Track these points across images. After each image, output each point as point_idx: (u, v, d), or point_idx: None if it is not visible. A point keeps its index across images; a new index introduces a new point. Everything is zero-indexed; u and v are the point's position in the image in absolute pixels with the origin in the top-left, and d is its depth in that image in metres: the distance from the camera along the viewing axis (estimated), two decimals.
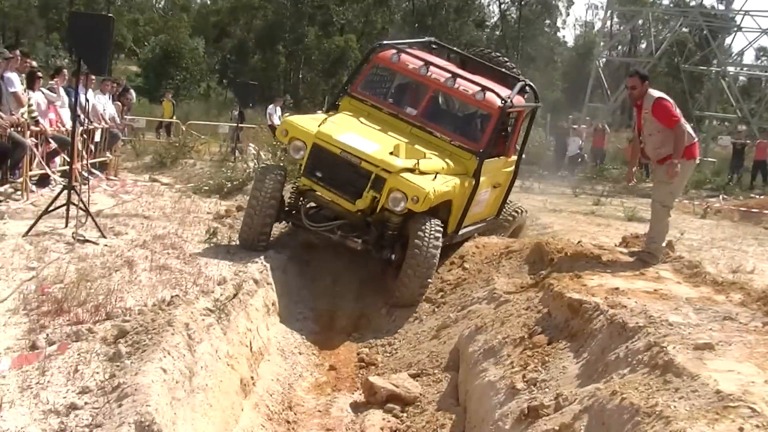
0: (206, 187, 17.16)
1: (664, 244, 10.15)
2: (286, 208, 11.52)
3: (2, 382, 5.63)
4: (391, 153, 10.70)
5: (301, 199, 11.53)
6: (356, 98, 12.39)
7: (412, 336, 9.95)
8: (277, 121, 28.97)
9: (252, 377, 7.84)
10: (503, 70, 13.53)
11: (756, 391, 4.89)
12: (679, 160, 9.57)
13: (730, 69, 50.47)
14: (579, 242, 10.92)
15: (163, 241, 10.75)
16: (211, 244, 11.14)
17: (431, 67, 12.26)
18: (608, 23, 65.33)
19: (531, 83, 13.66)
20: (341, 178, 10.84)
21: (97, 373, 5.88)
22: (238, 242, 11.31)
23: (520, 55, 62.04)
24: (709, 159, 37.76)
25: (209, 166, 20.87)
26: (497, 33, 79.05)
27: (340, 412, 8.10)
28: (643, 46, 70.74)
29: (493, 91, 12.14)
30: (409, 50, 12.80)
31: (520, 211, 14.91)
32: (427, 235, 10.59)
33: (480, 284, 10.52)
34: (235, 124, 28.00)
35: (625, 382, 5.47)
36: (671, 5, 61.56)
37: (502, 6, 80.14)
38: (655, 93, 9.84)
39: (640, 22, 61.79)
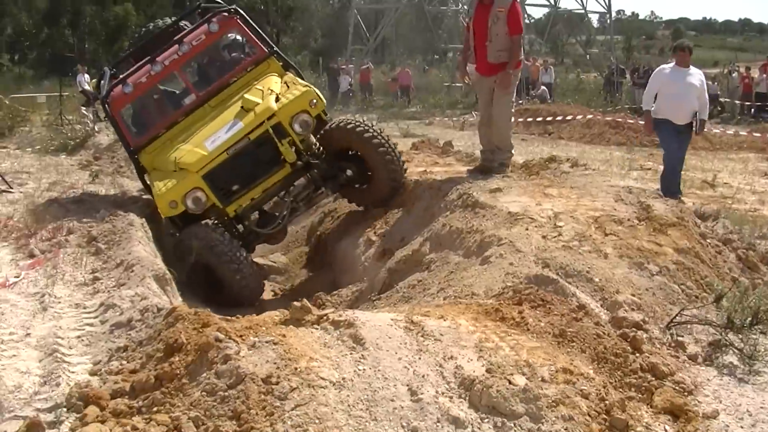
0: (52, 147, 18.34)
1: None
2: (241, 242, 9.46)
3: (31, 278, 7.38)
4: (248, 109, 9.54)
5: (237, 225, 9.84)
6: (146, 146, 10.18)
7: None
8: (86, 86, 29.82)
9: None
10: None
11: (532, 209, 7.41)
12: (514, 70, 9.42)
13: (465, 7, 54.19)
14: None
15: (61, 185, 12.30)
16: (97, 183, 12.77)
17: (157, 59, 10.40)
18: None
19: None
20: (252, 166, 9.55)
21: (92, 261, 7.72)
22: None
23: (279, 8, 63.27)
24: (457, 84, 41.01)
25: (45, 130, 21.80)
26: None
27: None
28: None
29: (211, 14, 10.83)
30: (127, 73, 10.57)
31: None
32: (372, 129, 9.99)
33: None
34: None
35: (449, 218, 7.88)
36: None
37: None
38: None
39: None
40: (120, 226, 8.49)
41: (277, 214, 9.93)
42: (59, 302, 6.56)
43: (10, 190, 11.79)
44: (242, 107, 9.61)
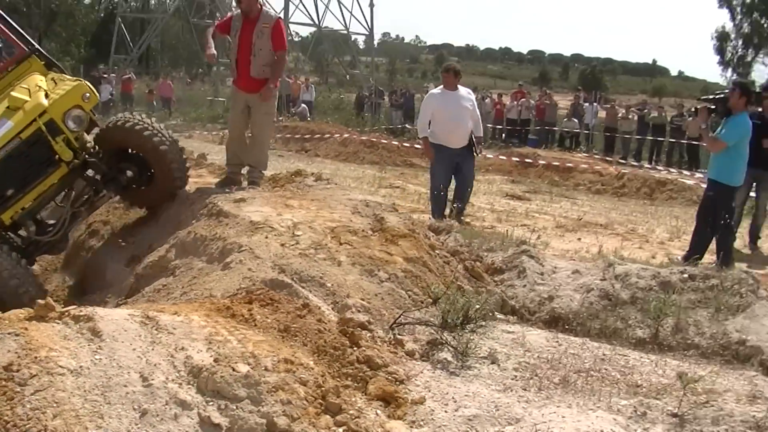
0: None
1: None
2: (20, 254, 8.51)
3: None
4: (15, 108, 8.62)
5: (15, 235, 9.02)
6: None
7: None
8: None
9: None
10: None
11: (272, 219, 7.89)
12: (276, 85, 9.75)
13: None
14: None
15: None
16: None
17: None
18: None
19: None
20: (26, 168, 8.78)
21: None
22: None
23: (42, 12, 61.17)
24: (220, 99, 41.23)
25: None
26: None
27: None
28: (153, 1, 72.52)
29: None
30: None
31: None
32: (153, 127, 9.46)
33: None
34: None
35: (195, 226, 8.27)
36: None
37: None
38: (275, 13, 10.10)
39: None
40: None
41: (54, 222, 9.32)
42: None
43: None
44: (8, 107, 8.63)
